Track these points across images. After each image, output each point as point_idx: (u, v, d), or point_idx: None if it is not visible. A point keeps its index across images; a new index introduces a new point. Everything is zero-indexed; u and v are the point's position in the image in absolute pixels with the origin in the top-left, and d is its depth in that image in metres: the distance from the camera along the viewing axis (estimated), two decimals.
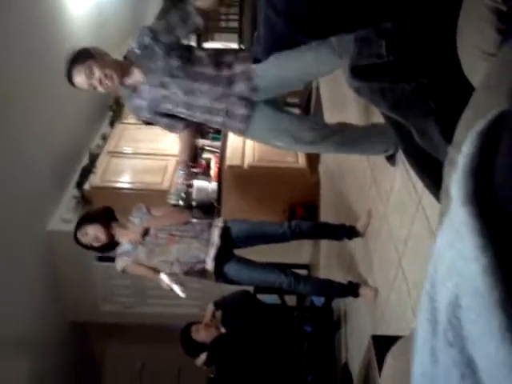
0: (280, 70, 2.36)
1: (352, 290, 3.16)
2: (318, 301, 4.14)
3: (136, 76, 2.52)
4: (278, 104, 2.63)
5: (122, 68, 2.50)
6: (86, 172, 4.99)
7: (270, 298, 3.98)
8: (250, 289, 3.79)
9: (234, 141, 5.00)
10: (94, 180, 4.88)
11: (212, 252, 3.11)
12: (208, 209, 5.15)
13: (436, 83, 1.12)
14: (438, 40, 1.07)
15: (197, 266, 3.15)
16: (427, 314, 0.37)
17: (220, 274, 3.16)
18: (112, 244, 3.22)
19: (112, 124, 5.75)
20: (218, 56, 2.50)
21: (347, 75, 1.25)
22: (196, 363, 3.58)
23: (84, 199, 4.87)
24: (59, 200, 4.96)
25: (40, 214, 4.68)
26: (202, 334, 3.59)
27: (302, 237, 3.39)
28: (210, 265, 3.11)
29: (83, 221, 3.23)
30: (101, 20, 5.77)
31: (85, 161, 5.21)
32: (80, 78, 2.43)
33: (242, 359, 3.49)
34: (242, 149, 4.90)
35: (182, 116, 2.59)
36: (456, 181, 0.34)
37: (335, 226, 3.39)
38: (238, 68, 2.41)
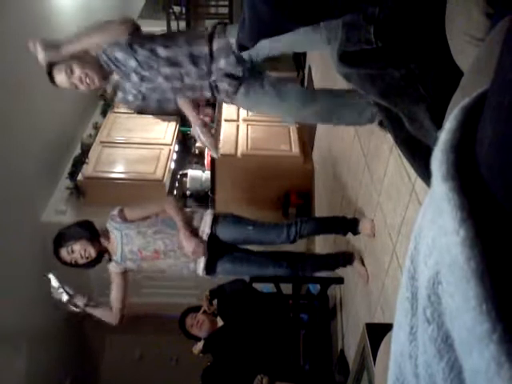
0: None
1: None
2: (314, 289, 4.14)
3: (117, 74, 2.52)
4: (261, 69, 2.58)
5: (103, 67, 2.47)
6: (79, 162, 4.96)
7: (266, 287, 3.98)
8: (246, 277, 3.79)
9: (227, 129, 4.97)
10: (87, 170, 4.86)
11: (201, 263, 3.03)
12: (202, 198, 5.14)
13: (425, 69, 1.10)
14: (426, 25, 1.05)
15: (187, 273, 3.13)
16: (407, 293, 0.37)
17: (212, 273, 3.13)
18: (98, 259, 3.03)
19: (104, 113, 5.72)
20: (189, 36, 2.47)
21: (336, 61, 1.22)
22: (193, 351, 3.58)
23: (77, 190, 4.85)
24: (52, 191, 4.94)
25: (33, 205, 4.66)
26: (195, 330, 3.59)
27: (304, 237, 3.35)
28: (201, 273, 3.08)
29: (67, 237, 2.95)
30: (88, 13, 5.71)
31: (77, 151, 5.18)
32: (61, 77, 2.43)
33: (238, 348, 3.50)
34: (235, 137, 4.88)
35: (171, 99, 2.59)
36: (437, 157, 0.33)
37: (337, 221, 3.23)
38: (215, 45, 2.37)
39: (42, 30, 4.55)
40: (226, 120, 5.08)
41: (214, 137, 2.83)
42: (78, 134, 5.37)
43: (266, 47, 2.41)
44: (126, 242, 2.98)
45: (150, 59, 2.39)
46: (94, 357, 6.52)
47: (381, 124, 2.65)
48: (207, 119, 4.84)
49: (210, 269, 3.07)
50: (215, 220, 3.07)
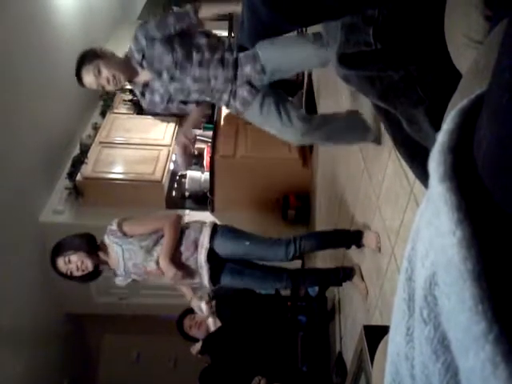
0: (283, 55, 2.49)
1: (346, 275, 3.11)
2: (312, 291, 4.14)
3: (145, 75, 2.57)
4: (280, 95, 2.69)
5: (130, 68, 2.54)
6: (78, 162, 4.96)
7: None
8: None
9: (226, 131, 4.97)
10: (86, 170, 4.86)
11: (205, 276, 3.00)
12: (201, 199, 5.14)
13: (424, 71, 1.10)
14: (425, 27, 1.05)
15: (194, 285, 3.15)
16: (404, 294, 0.37)
17: (218, 284, 3.12)
18: (95, 273, 2.96)
19: (103, 114, 5.72)
20: (217, 39, 2.56)
21: (335, 63, 1.22)
22: (191, 351, 3.59)
23: (76, 190, 4.85)
24: (51, 191, 4.94)
25: (32, 205, 4.65)
26: (193, 332, 3.59)
27: (304, 254, 3.34)
28: (207, 286, 3.07)
29: (65, 247, 2.90)
30: (89, 9, 5.72)
31: (76, 151, 5.17)
32: (89, 78, 2.49)
33: (236, 349, 3.50)
34: (234, 139, 4.87)
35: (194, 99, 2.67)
36: (435, 158, 0.33)
37: (339, 235, 3.18)
38: (244, 73, 2.51)
39: (42, 30, 4.56)
40: (225, 121, 5.08)
41: (188, 158, 2.92)
42: (77, 135, 5.37)
43: (283, 70, 2.57)
44: (129, 257, 2.92)
45: (186, 59, 2.47)
46: (92, 358, 6.52)
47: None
48: (203, 119, 4.88)
49: (214, 280, 3.05)
50: (214, 232, 3.02)
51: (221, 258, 3.03)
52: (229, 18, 5.02)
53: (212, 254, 2.98)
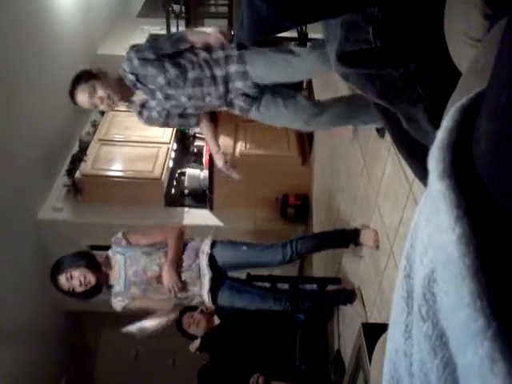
0: (272, 71, 2.51)
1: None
2: (311, 288, 4.14)
3: (140, 94, 2.59)
4: (277, 89, 2.68)
5: (124, 88, 2.55)
6: (77, 160, 4.95)
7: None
8: (243, 276, 3.78)
9: (225, 128, 4.96)
10: (85, 168, 4.85)
11: (206, 285, 2.99)
12: (200, 197, 5.13)
13: (424, 69, 1.10)
14: (425, 26, 1.05)
15: (193, 301, 3.11)
16: (403, 291, 0.37)
17: (215, 303, 3.10)
18: (97, 288, 2.96)
19: (102, 111, 5.69)
20: (208, 56, 2.54)
21: (334, 61, 1.22)
22: (189, 349, 3.59)
23: (75, 187, 4.84)
24: (50, 188, 4.93)
25: (31, 202, 4.65)
26: (192, 329, 3.59)
27: (302, 256, 3.33)
28: (206, 298, 3.03)
29: (66, 264, 2.90)
30: (89, 6, 5.70)
31: (75, 148, 5.17)
32: (82, 97, 2.51)
33: (234, 347, 3.50)
34: (233, 136, 4.87)
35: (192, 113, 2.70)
36: (434, 155, 0.33)
37: (336, 235, 3.17)
38: (232, 68, 2.50)
39: (41, 27, 4.55)
40: (224, 119, 5.07)
41: (229, 162, 3.02)
42: (76, 132, 5.36)
43: (275, 83, 2.58)
44: (130, 264, 2.95)
45: (178, 78, 2.48)
46: (90, 355, 6.52)
47: (378, 131, 2.70)
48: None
49: (213, 295, 3.04)
50: (213, 242, 3.10)
51: (220, 272, 3.05)
52: (228, 16, 5.01)
53: (212, 263, 3.01)
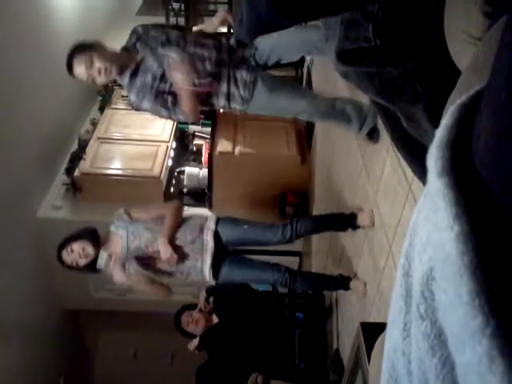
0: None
1: (343, 283, 3.16)
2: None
3: (135, 60, 2.59)
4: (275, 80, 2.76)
5: (122, 61, 2.56)
6: (76, 158, 4.95)
7: (262, 286, 3.98)
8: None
9: (225, 127, 4.96)
10: (84, 166, 4.85)
11: (208, 259, 3.03)
12: (199, 195, 5.13)
13: (423, 68, 1.10)
14: (425, 24, 1.05)
15: (189, 276, 3.13)
16: (401, 290, 0.37)
17: (217, 278, 3.14)
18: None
19: (101, 109, 5.69)
20: (214, 39, 2.65)
21: (334, 59, 1.22)
22: (188, 347, 3.59)
23: (74, 186, 4.84)
24: (49, 187, 4.93)
25: (30, 200, 4.64)
26: (191, 328, 3.60)
27: (301, 237, 3.35)
28: (207, 273, 3.07)
29: (67, 239, 2.99)
30: (88, 4, 5.70)
31: (74, 146, 5.16)
32: (80, 69, 2.50)
33: (233, 346, 3.50)
34: (233, 135, 4.87)
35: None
36: (433, 153, 0.33)
37: (334, 218, 3.24)
38: (238, 55, 2.59)
39: (41, 25, 4.55)
40: (224, 117, 5.08)
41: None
42: (75, 130, 5.36)
43: (276, 55, 2.64)
44: (133, 239, 2.99)
45: (181, 39, 2.57)
46: (89, 354, 6.52)
47: (369, 135, 2.73)
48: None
49: (215, 272, 3.08)
50: (217, 220, 3.16)
51: (223, 248, 3.11)
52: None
53: (216, 240, 3.06)
